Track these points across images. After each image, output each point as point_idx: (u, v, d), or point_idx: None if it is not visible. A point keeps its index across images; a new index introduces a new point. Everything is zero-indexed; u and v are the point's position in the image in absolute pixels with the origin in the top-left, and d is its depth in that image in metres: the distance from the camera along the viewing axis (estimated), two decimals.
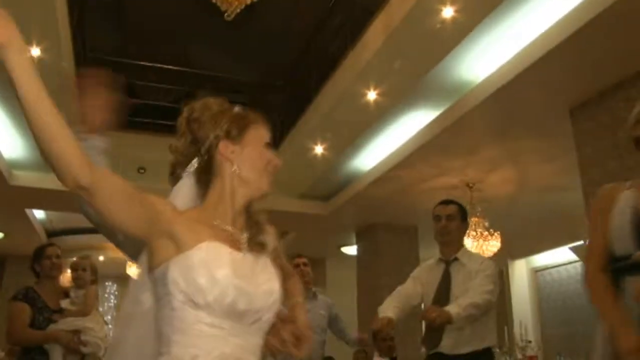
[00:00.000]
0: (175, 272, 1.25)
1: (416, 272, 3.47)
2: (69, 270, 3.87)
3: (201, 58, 9.18)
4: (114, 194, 1.24)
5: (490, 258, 6.47)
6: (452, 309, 2.89)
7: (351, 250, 9.30)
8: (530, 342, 5.89)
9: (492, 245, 6.33)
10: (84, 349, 3.45)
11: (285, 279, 1.46)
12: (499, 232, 6.43)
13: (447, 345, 3.09)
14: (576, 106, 4.62)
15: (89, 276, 3.67)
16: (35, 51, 4.45)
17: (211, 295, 1.23)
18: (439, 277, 3.26)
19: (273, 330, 1.41)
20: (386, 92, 5.15)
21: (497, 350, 5.99)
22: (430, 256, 9.71)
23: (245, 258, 1.34)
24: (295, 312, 1.55)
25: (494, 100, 4.69)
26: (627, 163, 4.10)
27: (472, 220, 6.38)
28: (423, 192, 6.74)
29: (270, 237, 1.46)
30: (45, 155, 1.16)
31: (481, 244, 6.25)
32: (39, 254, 3.70)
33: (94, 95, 1.64)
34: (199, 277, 1.23)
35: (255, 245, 1.39)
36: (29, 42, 4.41)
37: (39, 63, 4.57)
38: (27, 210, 8.17)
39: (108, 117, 1.64)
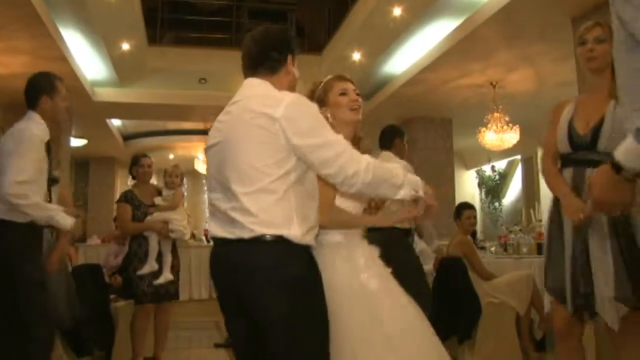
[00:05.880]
0: None
1: None
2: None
3: None
4: None
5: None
6: None
7: None
8: (540, 221, 6.68)
9: (510, 137, 7.05)
10: (172, 235, 4.27)
11: None
12: (517, 126, 7.11)
13: None
14: (577, 16, 5.20)
15: (179, 181, 4.53)
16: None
17: None
18: None
19: None
20: (409, 8, 5.82)
21: (517, 227, 6.83)
22: (464, 146, 10.50)
23: None
24: None
25: (503, 12, 5.30)
26: None
27: (494, 115, 7.10)
28: (452, 90, 7.49)
29: None
30: None
31: (501, 136, 6.98)
32: (135, 162, 4.48)
33: None
34: None
35: None
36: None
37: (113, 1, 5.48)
38: (107, 120, 9.34)
39: None
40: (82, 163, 12.20)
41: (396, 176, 1.87)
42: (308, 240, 1.84)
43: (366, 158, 1.83)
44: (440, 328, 4.05)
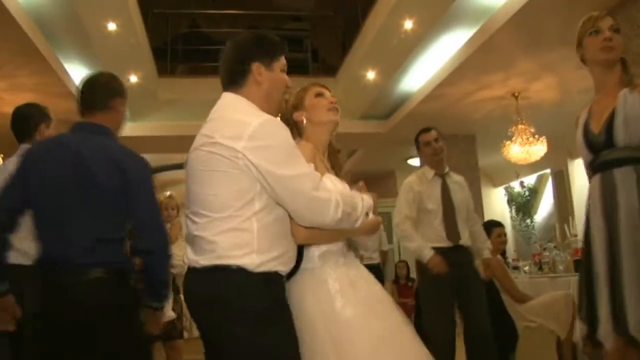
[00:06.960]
0: None
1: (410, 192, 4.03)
2: None
3: None
4: None
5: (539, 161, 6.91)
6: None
7: (416, 161, 9.73)
8: (575, 236, 6.32)
9: (538, 149, 6.70)
10: (172, 270, 4.20)
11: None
12: (544, 137, 6.76)
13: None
14: None
15: (175, 213, 4.35)
16: (112, 26, 5.23)
17: None
18: (439, 189, 4.00)
19: None
20: (420, 20, 5.59)
21: (552, 244, 6.47)
22: (489, 162, 10.13)
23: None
24: None
25: (519, 17, 5.01)
26: None
27: (518, 127, 6.78)
28: (472, 104, 7.19)
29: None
30: None
31: (527, 149, 6.64)
32: None
33: None
34: None
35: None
36: (105, 20, 5.19)
37: (116, 35, 5.36)
38: None
39: None
40: None
41: (356, 207, 1.81)
42: (271, 267, 1.70)
43: (334, 194, 1.73)
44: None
